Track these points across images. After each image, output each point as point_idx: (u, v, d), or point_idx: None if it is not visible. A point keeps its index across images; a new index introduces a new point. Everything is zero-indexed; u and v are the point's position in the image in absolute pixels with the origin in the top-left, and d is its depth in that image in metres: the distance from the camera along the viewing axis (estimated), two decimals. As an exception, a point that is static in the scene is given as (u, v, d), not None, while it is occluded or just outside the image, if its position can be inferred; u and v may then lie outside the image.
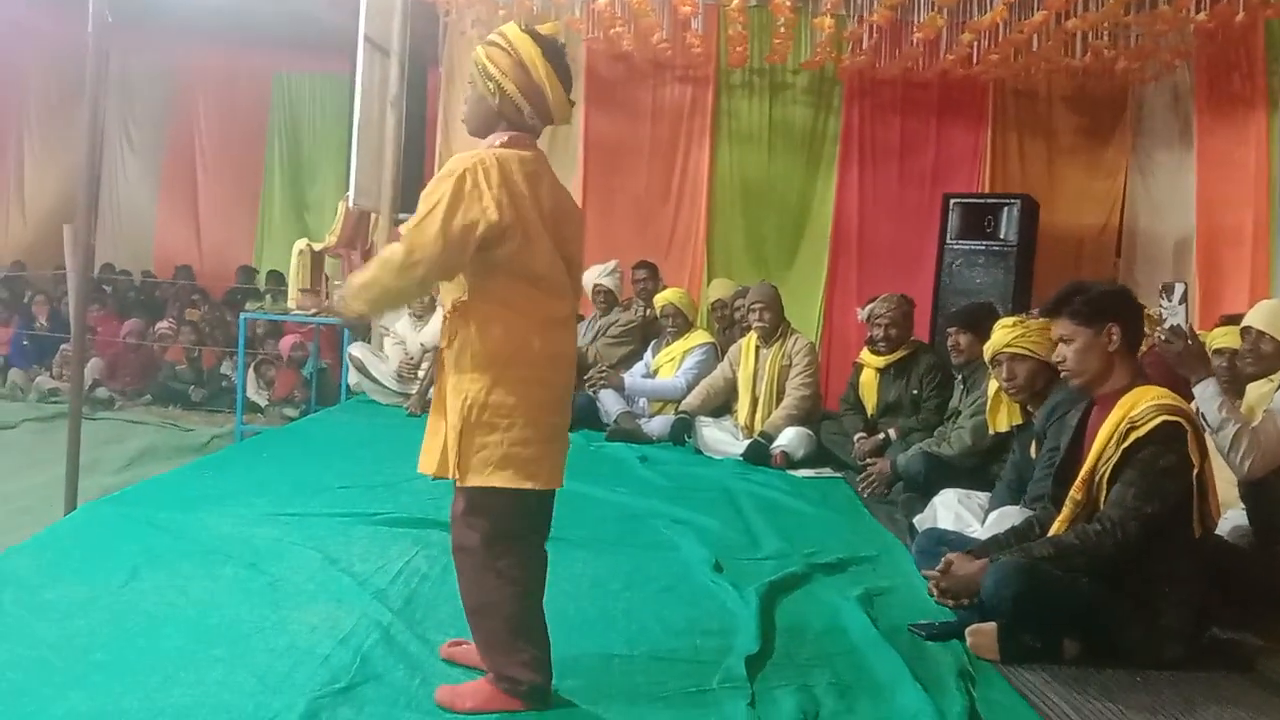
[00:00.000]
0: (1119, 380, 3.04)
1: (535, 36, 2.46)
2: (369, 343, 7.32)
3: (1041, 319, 4.09)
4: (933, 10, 6.12)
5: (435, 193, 2.31)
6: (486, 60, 2.45)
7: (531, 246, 2.38)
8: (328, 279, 7.74)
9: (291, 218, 11.21)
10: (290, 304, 7.52)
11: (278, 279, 10.14)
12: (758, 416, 6.02)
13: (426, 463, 2.50)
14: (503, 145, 2.43)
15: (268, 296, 9.76)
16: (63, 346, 8.63)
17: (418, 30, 8.19)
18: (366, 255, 8.08)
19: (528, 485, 2.39)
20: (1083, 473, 3.02)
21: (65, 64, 10.10)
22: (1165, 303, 3.83)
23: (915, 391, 5.60)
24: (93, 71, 4.44)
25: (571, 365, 2.61)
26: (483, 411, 2.36)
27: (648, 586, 3.45)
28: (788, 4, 6.25)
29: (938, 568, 3.17)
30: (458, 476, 2.38)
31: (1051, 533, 3.07)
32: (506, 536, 2.43)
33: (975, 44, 6.84)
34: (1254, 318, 3.91)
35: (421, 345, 6.82)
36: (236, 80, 11.31)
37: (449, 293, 2.45)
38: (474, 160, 2.34)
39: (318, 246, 7.49)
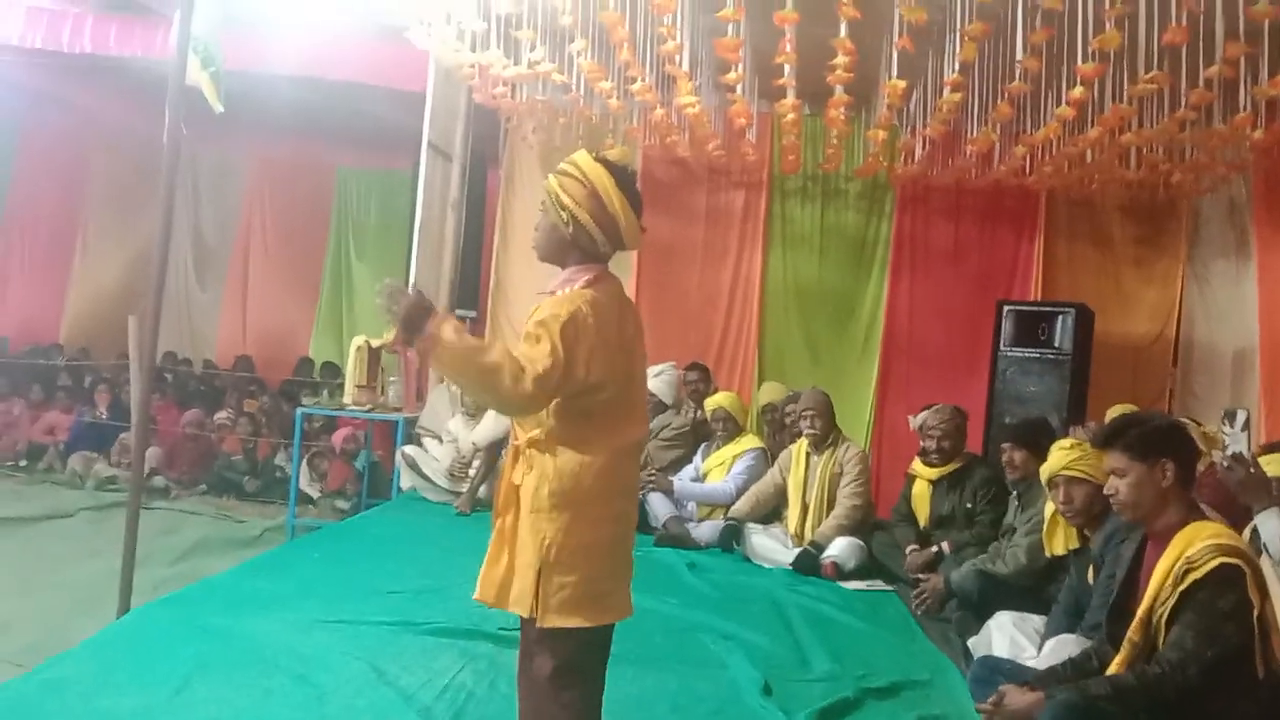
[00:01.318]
0: (1172, 516, 2.99)
1: (608, 165, 2.49)
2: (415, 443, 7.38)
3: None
4: (986, 125, 6.17)
5: (545, 330, 2.31)
6: (560, 190, 2.47)
7: (620, 391, 2.44)
8: (384, 373, 7.87)
9: (348, 311, 11.40)
10: (347, 399, 7.63)
11: (332, 371, 10.30)
12: (808, 525, 5.97)
13: (486, 592, 2.50)
14: (588, 284, 2.45)
15: (325, 391, 9.89)
16: (122, 434, 8.79)
17: (479, 133, 8.41)
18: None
19: (605, 621, 2.42)
20: (1139, 614, 2.96)
21: (131, 151, 10.41)
22: (1228, 429, 3.78)
23: (969, 505, 5.54)
24: (167, 177, 4.59)
25: (638, 490, 2.63)
26: (562, 552, 2.38)
27: (695, 710, 3.41)
28: (841, 116, 6.34)
29: (990, 700, 3.11)
30: (538, 616, 2.38)
31: (1109, 673, 3.00)
32: (575, 669, 2.44)
33: (1028, 156, 6.89)
34: (1317, 443, 3.84)
35: (474, 444, 6.86)
36: (301, 174, 11.61)
37: (524, 428, 2.46)
38: (571, 310, 2.34)
39: (375, 343, 7.62)
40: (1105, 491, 3.16)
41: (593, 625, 2.40)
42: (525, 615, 2.40)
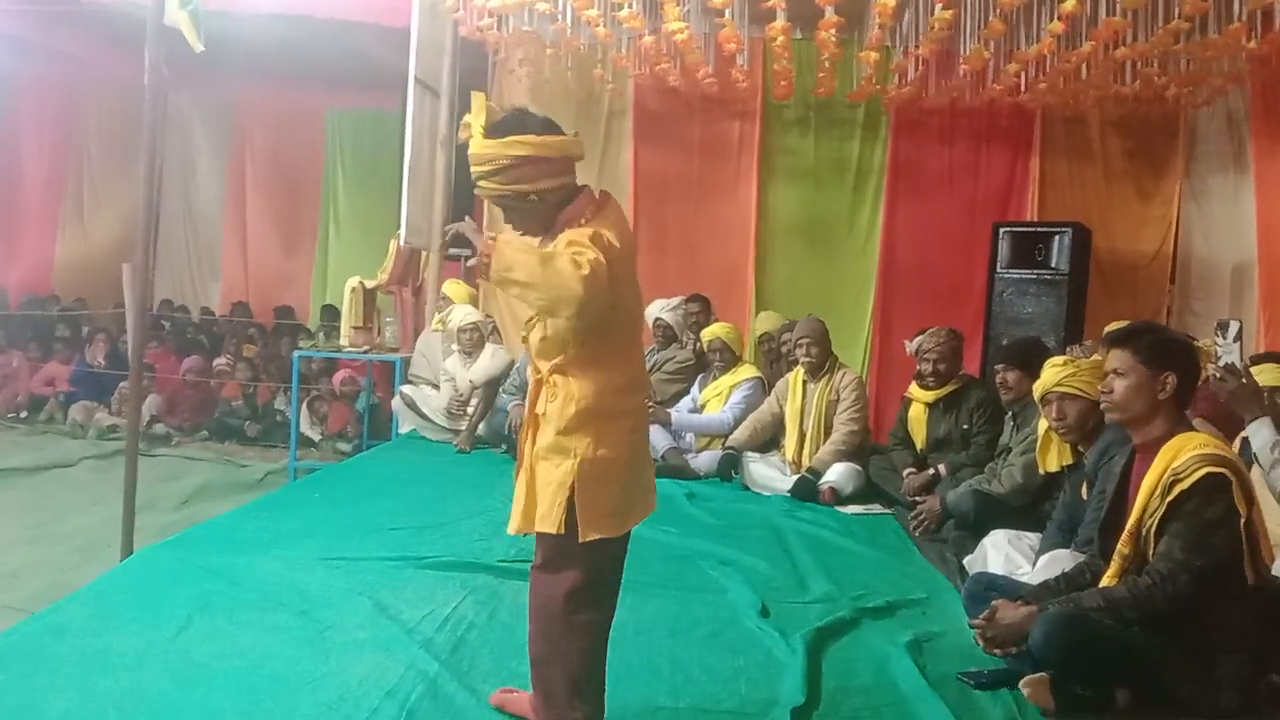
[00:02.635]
0: (1160, 428, 3.00)
1: (496, 130, 2.44)
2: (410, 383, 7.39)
3: (1094, 355, 4.05)
4: (978, 43, 6.08)
5: (578, 241, 2.33)
6: (505, 184, 2.44)
7: (635, 307, 2.59)
8: (380, 314, 7.86)
9: (344, 253, 11.36)
10: (343, 341, 7.64)
11: (332, 314, 10.30)
12: (805, 452, 6.00)
13: (516, 522, 2.52)
14: (588, 221, 2.45)
15: (320, 333, 9.89)
16: (121, 384, 8.81)
17: (466, 69, 8.30)
18: (417, 292, 8.20)
19: (632, 524, 2.54)
20: (1129, 526, 2.98)
21: (124, 99, 10.31)
22: (1220, 340, 3.77)
23: (965, 426, 5.56)
24: (150, 118, 4.54)
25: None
26: (595, 466, 2.43)
27: (694, 633, 3.45)
28: (833, 38, 6.25)
29: (983, 615, 3.15)
30: (580, 530, 2.41)
31: (1100, 586, 3.03)
32: (594, 587, 2.49)
33: (1022, 74, 6.80)
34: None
35: (471, 382, 6.87)
36: (291, 117, 11.48)
37: (546, 356, 2.49)
38: (591, 231, 2.38)
39: (370, 284, 7.61)
40: (1100, 389, 3.16)
41: (619, 533, 2.50)
42: (554, 531, 2.41)
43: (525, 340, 2.58)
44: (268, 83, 10.85)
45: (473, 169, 2.48)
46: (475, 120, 2.48)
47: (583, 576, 2.47)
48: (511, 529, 2.52)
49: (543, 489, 2.46)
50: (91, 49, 9.92)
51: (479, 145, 2.45)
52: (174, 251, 11.84)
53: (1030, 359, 4.67)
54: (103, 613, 3.28)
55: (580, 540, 2.41)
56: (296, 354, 7.76)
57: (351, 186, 11.50)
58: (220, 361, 9.32)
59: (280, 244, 11.65)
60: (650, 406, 6.56)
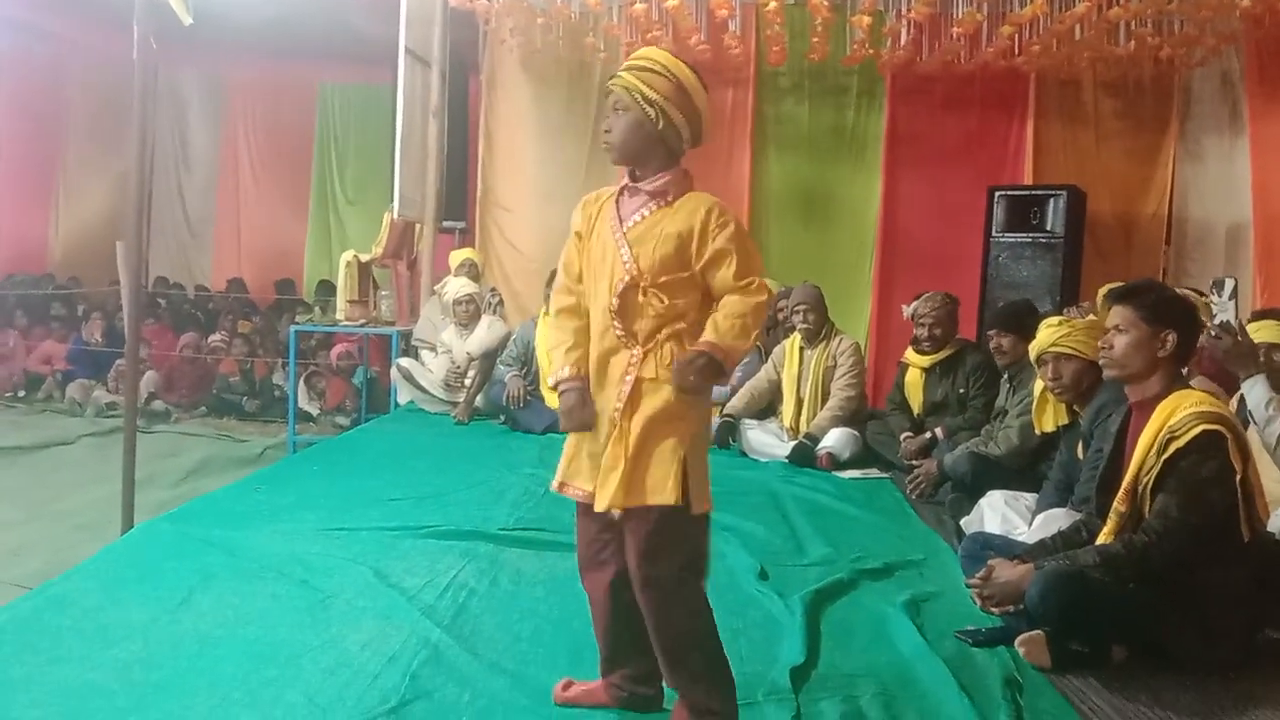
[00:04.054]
0: (1156, 385, 3.01)
1: (684, 61, 2.45)
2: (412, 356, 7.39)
3: (1090, 316, 4.06)
4: (971, 6, 6.06)
5: (733, 234, 2.39)
6: (643, 85, 2.38)
7: None
8: (376, 288, 7.86)
9: (340, 228, 11.33)
10: (339, 315, 7.63)
11: (327, 289, 10.28)
12: (803, 418, 6.01)
13: (611, 498, 2.36)
14: (692, 186, 2.47)
15: (317, 308, 9.88)
16: (118, 361, 8.79)
17: (457, 39, 8.27)
18: (412, 265, 8.18)
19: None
20: (1125, 484, 2.99)
21: (110, 76, 10.23)
22: (1215, 298, 3.78)
23: (961, 390, 5.57)
24: (140, 92, 4.52)
25: None
26: (698, 439, 2.41)
27: (693, 596, 3.46)
28: (824, 3, 6.22)
29: (979, 574, 3.17)
30: (695, 503, 2.35)
31: (1097, 544, 3.04)
32: (703, 555, 2.45)
33: (1016, 36, 6.77)
34: (1309, 310, 3.82)
35: (468, 354, 6.88)
36: (283, 91, 11.42)
37: (666, 321, 2.41)
38: (722, 204, 2.42)
39: (364, 258, 7.60)
40: (1099, 345, 3.17)
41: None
42: (671, 503, 2.32)
43: (612, 311, 2.43)
44: (258, 57, 10.76)
45: (644, 69, 2.41)
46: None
47: (696, 546, 2.41)
48: (608, 505, 2.37)
49: (657, 459, 2.35)
50: (79, 25, 9.86)
51: (668, 56, 2.43)
52: (168, 228, 11.78)
53: (1023, 322, 4.69)
54: (104, 586, 3.30)
55: (693, 512, 2.34)
56: (293, 328, 7.76)
57: (344, 160, 11.45)
58: (216, 337, 9.31)
59: (274, 219, 11.59)
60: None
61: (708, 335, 2.36)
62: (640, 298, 2.40)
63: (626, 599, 2.45)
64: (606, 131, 2.47)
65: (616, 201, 2.50)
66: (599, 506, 2.39)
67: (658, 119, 2.38)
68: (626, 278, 2.40)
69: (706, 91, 2.45)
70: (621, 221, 2.46)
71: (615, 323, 2.43)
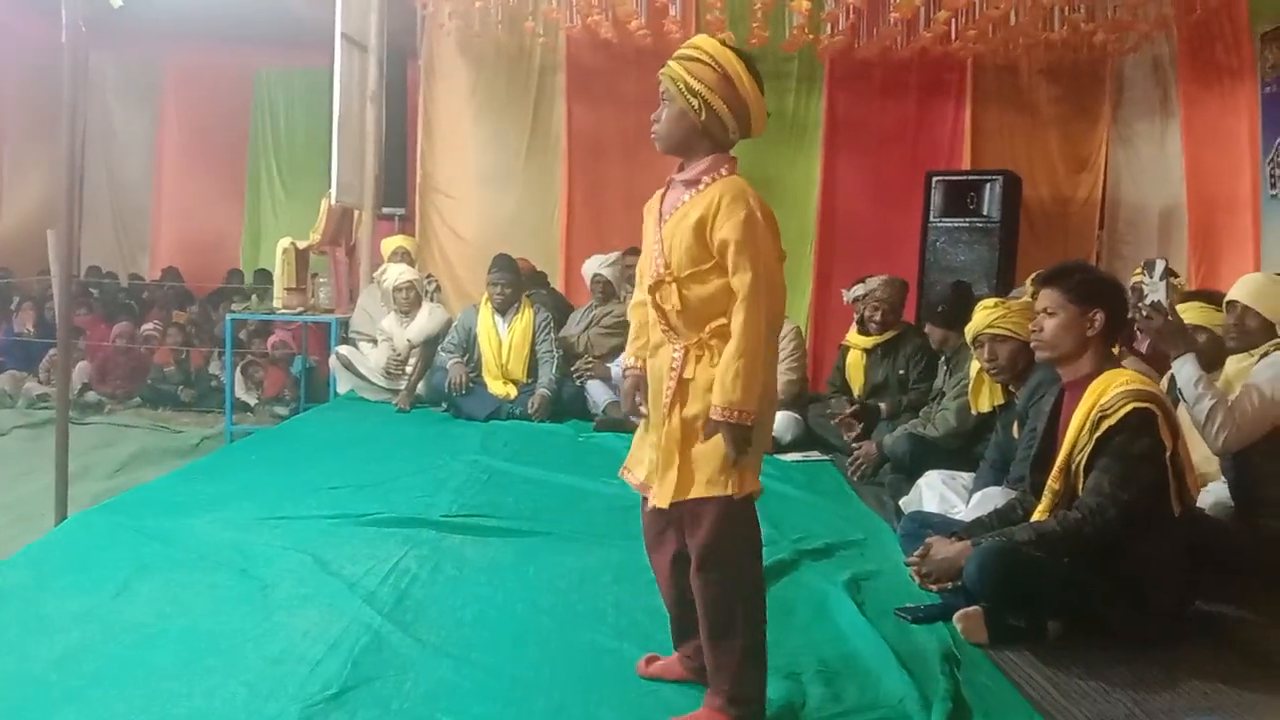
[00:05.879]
0: (1087, 365, 3.07)
1: (733, 49, 2.40)
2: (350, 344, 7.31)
3: (1025, 298, 4.12)
4: (908, -9, 6.11)
5: (740, 221, 2.30)
6: (688, 75, 2.36)
7: None
8: (314, 276, 7.76)
9: (277, 215, 11.18)
10: (276, 303, 7.53)
11: (265, 277, 10.14)
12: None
13: (668, 494, 2.37)
14: (729, 172, 2.40)
15: (254, 296, 9.74)
16: (50, 352, 8.61)
17: (395, 24, 8.18)
18: (350, 252, 8.09)
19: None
20: (1059, 462, 3.05)
21: (42, 64, 9.98)
22: (1146, 278, 3.84)
23: (901, 372, 5.64)
24: (70, 78, 4.42)
25: None
26: (756, 423, 2.36)
27: (638, 579, 3.44)
28: (764, -13, 6.24)
29: (918, 552, 3.21)
30: (737, 490, 2.32)
31: (1032, 520, 3.10)
32: (753, 544, 2.43)
33: (952, 22, 6.84)
34: (1238, 292, 3.85)
35: (409, 341, 6.82)
36: (219, 78, 11.21)
37: (706, 317, 2.37)
38: (745, 191, 2.34)
39: (302, 245, 7.50)
40: (1030, 328, 3.23)
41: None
42: (724, 493, 2.31)
43: (658, 307, 2.41)
44: (193, 42, 10.57)
45: (690, 58, 2.39)
46: (725, 36, 2.44)
47: (749, 523, 2.39)
48: (663, 501, 2.37)
49: (707, 454, 2.33)
50: (4, 8, 9.60)
51: (713, 44, 2.40)
52: (100, 217, 11.53)
53: (952, 314, 4.76)
54: (39, 577, 3.24)
55: (739, 495, 2.32)
56: (230, 317, 7.65)
57: (281, 147, 11.30)
58: (148, 326, 9.14)
59: (210, 207, 11.40)
60: (589, 362, 6.60)
61: (713, 397, 2.30)
62: (672, 291, 2.38)
63: (688, 576, 2.45)
64: (655, 121, 2.47)
65: (662, 195, 2.50)
66: (654, 503, 2.42)
67: (700, 110, 2.36)
68: (658, 271, 2.40)
69: (760, 82, 2.41)
70: (662, 215, 2.46)
71: (656, 317, 2.43)
